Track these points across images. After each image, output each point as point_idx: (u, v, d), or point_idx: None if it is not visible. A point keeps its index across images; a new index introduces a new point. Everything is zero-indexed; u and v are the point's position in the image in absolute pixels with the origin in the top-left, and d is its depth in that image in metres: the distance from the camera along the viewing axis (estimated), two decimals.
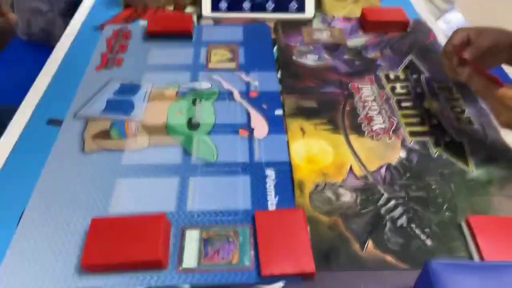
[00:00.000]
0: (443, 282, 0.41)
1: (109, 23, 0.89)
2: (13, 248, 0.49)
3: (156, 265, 0.47)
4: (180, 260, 0.49)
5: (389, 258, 0.50)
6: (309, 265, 0.47)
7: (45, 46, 1.21)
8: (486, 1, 2.70)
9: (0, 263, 0.48)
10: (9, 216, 0.53)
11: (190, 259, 0.49)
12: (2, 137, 0.63)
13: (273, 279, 0.47)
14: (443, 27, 1.55)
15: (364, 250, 0.50)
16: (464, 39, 0.64)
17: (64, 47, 0.82)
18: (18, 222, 0.52)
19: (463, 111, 0.69)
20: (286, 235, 0.50)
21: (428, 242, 0.51)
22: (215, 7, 0.90)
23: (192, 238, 0.51)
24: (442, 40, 0.86)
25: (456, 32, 0.65)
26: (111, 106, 0.68)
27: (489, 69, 0.59)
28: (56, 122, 0.65)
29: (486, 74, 0.57)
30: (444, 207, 0.55)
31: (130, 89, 0.72)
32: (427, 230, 0.53)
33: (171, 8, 0.95)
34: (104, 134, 0.63)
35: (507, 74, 1.15)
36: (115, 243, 0.48)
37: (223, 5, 0.90)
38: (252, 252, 0.49)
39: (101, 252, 0.47)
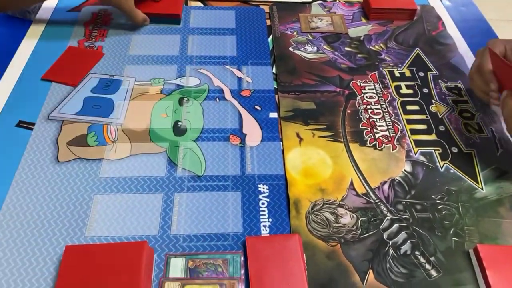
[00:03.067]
0: None
1: (87, 4, 0.80)
2: None
3: None
4: None
5: None
6: None
7: (20, 20, 1.12)
8: None
9: None
10: None
11: None
12: None
13: None
14: (446, 4, 1.47)
15: (365, 283, 0.46)
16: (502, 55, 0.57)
17: (36, 32, 0.73)
18: None
19: (472, 116, 0.64)
20: (280, 264, 0.46)
21: (433, 273, 0.47)
22: None
23: (177, 267, 0.46)
24: (451, 30, 0.80)
25: (491, 48, 0.58)
26: (89, 106, 0.62)
27: None
28: (26, 125, 0.59)
29: None
30: (451, 231, 0.51)
31: (110, 85, 0.65)
32: (432, 258, 0.49)
33: None
34: (81, 141, 0.57)
35: None
36: (91, 276, 0.43)
37: None
38: (242, 287, 0.45)
39: (75, 286, 0.43)
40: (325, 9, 0.82)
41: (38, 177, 0.53)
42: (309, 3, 0.84)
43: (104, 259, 0.44)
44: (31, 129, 0.58)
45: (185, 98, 0.64)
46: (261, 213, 0.51)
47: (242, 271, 0.46)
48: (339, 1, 0.85)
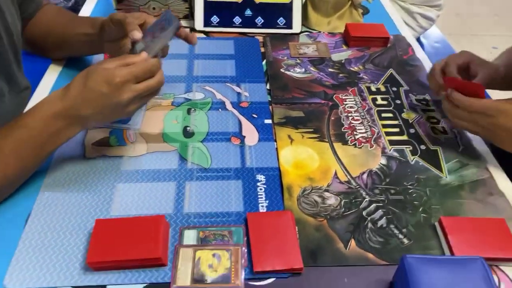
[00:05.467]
0: (416, 273, 0.46)
1: None
2: (21, 247, 0.53)
3: (156, 263, 0.51)
4: None
5: (370, 255, 0.54)
6: (297, 262, 0.52)
7: None
8: (461, 18, 2.83)
9: (9, 260, 0.51)
10: (17, 217, 0.56)
11: None
12: None
13: (265, 274, 0.51)
14: (423, 42, 1.63)
15: (347, 248, 0.55)
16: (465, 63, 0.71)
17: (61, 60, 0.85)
18: (25, 222, 0.55)
19: (438, 121, 0.75)
20: (276, 235, 0.54)
21: (405, 241, 0.56)
22: (207, 21, 0.95)
23: (190, 237, 0.55)
24: (420, 55, 0.93)
25: (461, 54, 0.72)
26: None
27: None
28: None
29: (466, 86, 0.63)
30: (420, 209, 0.60)
31: None
32: (404, 230, 0.58)
33: None
34: (104, 142, 0.67)
35: None
36: (117, 242, 0.52)
37: (215, 20, 0.95)
38: (245, 250, 0.53)
39: (105, 251, 0.51)
40: (311, 39, 0.96)
41: (68, 170, 0.62)
42: (297, 34, 0.97)
43: (128, 230, 0.53)
44: None
45: (192, 109, 0.75)
46: (259, 196, 0.61)
47: (245, 239, 0.55)
48: (323, 32, 0.98)
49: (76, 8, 1.25)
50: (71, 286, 0.50)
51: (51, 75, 0.80)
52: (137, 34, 0.58)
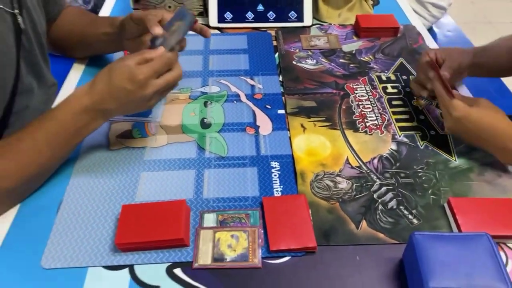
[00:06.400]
0: (424, 249, 0.48)
1: None
2: (55, 231, 0.57)
3: (179, 243, 0.55)
4: None
5: (380, 235, 0.57)
6: (311, 241, 0.55)
7: None
8: (476, 6, 2.79)
9: (45, 243, 0.56)
10: (50, 203, 0.60)
11: None
12: None
13: (280, 253, 0.55)
14: (436, 32, 1.63)
15: (359, 229, 0.58)
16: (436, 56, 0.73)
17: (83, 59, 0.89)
18: (58, 208, 0.60)
19: None
20: (290, 217, 0.58)
21: (415, 221, 0.59)
22: (221, 18, 0.98)
23: (210, 220, 0.58)
24: (430, 43, 0.94)
25: (426, 52, 0.75)
26: None
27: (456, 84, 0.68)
28: None
29: (445, 84, 0.66)
30: (429, 191, 0.63)
31: None
32: (414, 211, 0.60)
33: None
34: (127, 134, 0.71)
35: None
36: (143, 225, 0.56)
37: (228, 16, 0.98)
38: (262, 231, 0.57)
39: (131, 233, 0.55)
40: (322, 31, 0.98)
41: (95, 161, 0.67)
42: (309, 27, 0.99)
43: (152, 214, 0.57)
44: None
45: (209, 102, 0.78)
46: (274, 181, 0.64)
47: (261, 221, 0.58)
48: (334, 24, 1.00)
49: (95, 10, 1.30)
50: (102, 266, 0.54)
51: (76, 73, 0.85)
52: (158, 30, 0.62)
